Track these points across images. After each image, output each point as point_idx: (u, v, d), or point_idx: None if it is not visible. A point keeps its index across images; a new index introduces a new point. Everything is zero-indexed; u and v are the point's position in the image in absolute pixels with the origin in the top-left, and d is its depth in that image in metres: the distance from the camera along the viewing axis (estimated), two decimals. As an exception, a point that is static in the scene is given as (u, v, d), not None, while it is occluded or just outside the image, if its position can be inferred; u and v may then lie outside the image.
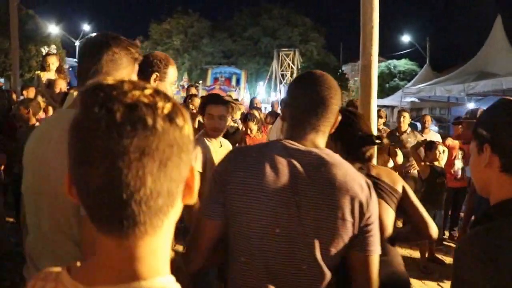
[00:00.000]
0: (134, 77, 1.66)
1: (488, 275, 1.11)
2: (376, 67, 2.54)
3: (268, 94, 42.29)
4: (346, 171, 1.46)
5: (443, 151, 5.49)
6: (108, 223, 0.69)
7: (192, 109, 5.58)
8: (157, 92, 0.70)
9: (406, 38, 31.81)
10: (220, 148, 3.15)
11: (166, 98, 0.70)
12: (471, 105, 14.79)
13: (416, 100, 22.73)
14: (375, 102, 2.58)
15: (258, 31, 50.62)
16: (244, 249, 1.44)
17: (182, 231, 2.92)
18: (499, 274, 1.10)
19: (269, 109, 13.52)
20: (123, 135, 0.64)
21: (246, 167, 1.44)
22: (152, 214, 0.69)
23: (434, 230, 2.13)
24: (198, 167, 2.85)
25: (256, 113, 6.66)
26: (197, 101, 6.11)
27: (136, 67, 1.72)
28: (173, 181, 0.70)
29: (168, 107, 0.69)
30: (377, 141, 2.02)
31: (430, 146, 5.45)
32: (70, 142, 0.69)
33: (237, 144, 5.57)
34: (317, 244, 1.41)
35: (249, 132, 6.20)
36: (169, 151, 0.67)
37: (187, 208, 0.83)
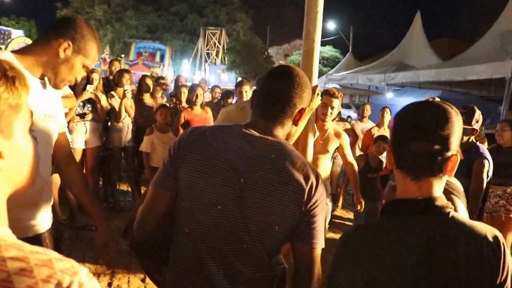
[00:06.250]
0: None
1: (344, 270, 1.24)
2: (318, 53, 2.53)
3: (193, 73, 41.65)
4: (294, 161, 1.48)
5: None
6: None
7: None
8: None
9: (331, 25, 32.56)
10: None
11: None
12: (389, 95, 15.48)
13: (338, 86, 23.46)
14: (315, 88, 2.54)
15: (185, 7, 49.40)
16: (188, 222, 1.50)
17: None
18: (353, 271, 1.22)
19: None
20: None
21: (198, 145, 1.50)
22: None
23: None
24: None
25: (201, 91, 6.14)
26: (126, 77, 5.86)
27: None
28: None
29: None
30: None
31: (379, 139, 5.44)
32: None
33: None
34: (255, 227, 1.44)
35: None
36: None
37: None
